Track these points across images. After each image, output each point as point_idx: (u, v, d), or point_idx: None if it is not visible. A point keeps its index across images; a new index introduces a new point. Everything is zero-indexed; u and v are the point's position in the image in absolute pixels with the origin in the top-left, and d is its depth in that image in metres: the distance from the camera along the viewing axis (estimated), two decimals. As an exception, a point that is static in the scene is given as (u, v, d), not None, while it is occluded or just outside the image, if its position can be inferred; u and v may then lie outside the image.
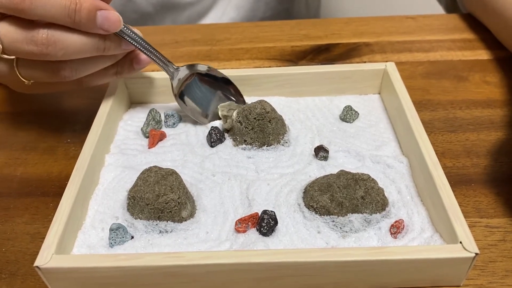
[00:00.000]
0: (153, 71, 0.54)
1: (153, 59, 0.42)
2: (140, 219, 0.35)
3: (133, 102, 0.49)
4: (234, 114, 0.43)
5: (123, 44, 0.40)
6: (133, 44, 0.40)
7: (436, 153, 0.37)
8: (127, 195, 0.37)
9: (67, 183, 0.37)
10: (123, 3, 0.77)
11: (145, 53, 0.41)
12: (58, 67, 0.39)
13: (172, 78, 0.44)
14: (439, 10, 0.74)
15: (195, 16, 0.80)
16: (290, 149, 0.42)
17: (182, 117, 0.46)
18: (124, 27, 0.39)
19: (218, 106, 0.44)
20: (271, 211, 0.34)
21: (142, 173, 0.36)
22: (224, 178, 0.39)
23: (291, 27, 0.63)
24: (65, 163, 0.44)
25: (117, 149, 0.43)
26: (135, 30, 0.41)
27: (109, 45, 0.39)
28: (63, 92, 0.52)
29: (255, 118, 0.41)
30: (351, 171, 0.38)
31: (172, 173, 0.36)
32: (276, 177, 0.39)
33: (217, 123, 0.45)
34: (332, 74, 0.47)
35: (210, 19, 0.80)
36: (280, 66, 0.55)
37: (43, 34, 0.36)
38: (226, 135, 0.43)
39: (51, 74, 0.39)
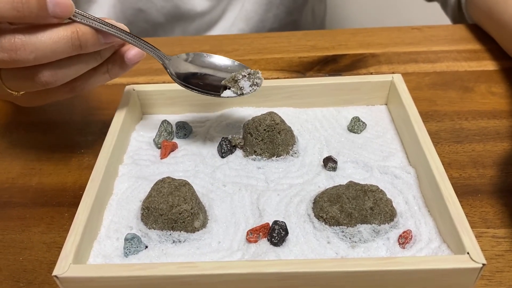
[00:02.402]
0: (163, 82, 0.56)
1: (140, 47, 0.40)
2: (154, 229, 0.36)
3: (145, 113, 0.50)
4: (242, 81, 0.41)
5: (101, 37, 0.37)
6: (114, 35, 0.37)
7: (443, 164, 0.38)
8: (141, 206, 0.38)
9: (81, 193, 0.37)
10: (134, 13, 0.78)
11: (129, 42, 0.39)
12: (37, 72, 0.37)
13: (164, 64, 0.41)
14: (446, 20, 0.74)
15: (205, 26, 0.81)
16: (299, 159, 0.43)
17: (193, 128, 0.47)
18: (102, 22, 0.37)
19: (222, 82, 0.42)
20: (282, 221, 0.35)
21: (156, 184, 0.37)
22: (234, 189, 0.40)
23: (299, 38, 0.64)
24: (79, 173, 0.45)
25: (130, 160, 0.44)
26: (119, 24, 0.38)
27: (85, 40, 0.36)
28: (75, 103, 0.53)
29: (264, 130, 0.42)
30: (360, 182, 0.39)
31: (185, 184, 0.37)
32: (285, 187, 0.40)
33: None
34: (340, 85, 0.48)
35: (220, 29, 0.81)
36: (288, 77, 0.56)
37: (9, 39, 0.34)
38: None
39: (32, 82, 0.37)
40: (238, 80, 0.41)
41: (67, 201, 0.42)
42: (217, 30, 0.82)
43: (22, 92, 0.40)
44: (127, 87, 0.48)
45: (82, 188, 0.42)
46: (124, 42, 0.39)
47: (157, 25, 0.80)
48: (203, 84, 0.42)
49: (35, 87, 0.38)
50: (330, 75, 0.56)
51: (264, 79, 0.56)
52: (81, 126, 0.50)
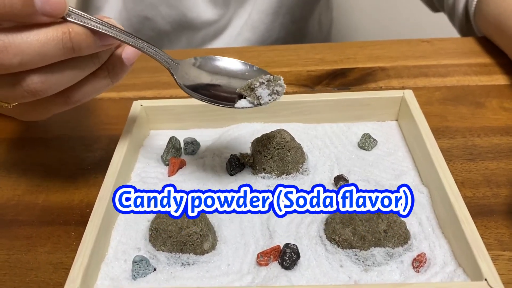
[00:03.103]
0: (171, 97, 0.55)
1: (144, 49, 0.35)
2: (163, 251, 0.35)
3: (153, 129, 0.49)
4: (260, 89, 0.36)
5: (97, 39, 0.33)
6: (114, 36, 0.33)
7: (456, 182, 0.37)
8: (149, 226, 0.37)
9: (88, 211, 0.37)
10: (140, 21, 0.78)
11: (131, 44, 0.34)
12: (24, 79, 0.32)
13: (170, 69, 0.37)
14: (453, 31, 0.74)
15: (211, 35, 0.81)
16: (309, 177, 0.42)
17: (201, 144, 0.47)
18: (100, 22, 0.32)
19: (237, 90, 0.37)
20: (293, 244, 0.34)
21: (164, 204, 0.36)
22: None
23: (307, 51, 0.63)
24: (86, 190, 0.44)
25: (137, 177, 0.43)
26: (111, 20, 0.34)
27: (78, 42, 0.32)
28: (82, 118, 0.53)
29: (274, 147, 0.42)
30: None
31: (194, 205, 0.36)
32: (296, 207, 0.39)
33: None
34: (350, 101, 0.47)
35: (226, 39, 0.81)
36: (296, 91, 0.56)
37: None
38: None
39: (20, 90, 0.33)
40: (255, 88, 0.36)
41: (74, 220, 0.41)
42: (223, 39, 0.81)
43: (14, 104, 0.36)
44: (135, 102, 0.48)
45: (89, 206, 0.42)
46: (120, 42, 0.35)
47: (163, 33, 0.80)
48: (214, 92, 0.37)
49: (24, 97, 0.34)
50: (339, 89, 0.56)
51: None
52: (88, 141, 0.50)
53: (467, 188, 0.42)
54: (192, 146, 0.46)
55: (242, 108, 0.36)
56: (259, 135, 0.44)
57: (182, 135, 0.47)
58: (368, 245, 0.34)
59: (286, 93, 0.55)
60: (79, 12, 0.32)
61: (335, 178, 0.41)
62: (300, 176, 0.42)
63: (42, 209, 0.43)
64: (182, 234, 0.34)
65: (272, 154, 0.42)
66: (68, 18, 0.32)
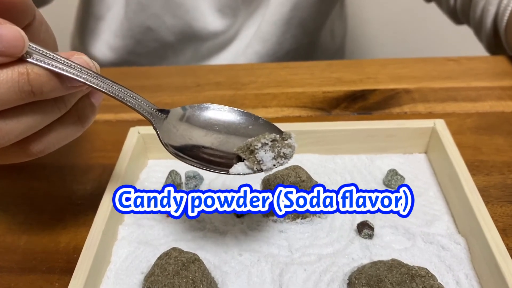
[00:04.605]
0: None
1: (120, 98, 0.29)
2: (157, 314, 0.30)
3: (151, 158, 0.44)
4: (261, 152, 0.29)
5: (64, 80, 0.27)
6: (84, 82, 0.27)
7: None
8: (142, 283, 0.32)
9: (75, 257, 0.32)
10: (143, 32, 0.73)
11: (105, 92, 0.28)
12: None
13: (153, 124, 0.31)
14: (478, 47, 0.68)
15: (218, 47, 0.76)
16: (328, 221, 0.37)
17: (205, 178, 0.41)
18: (67, 63, 0.27)
19: (234, 150, 0.31)
20: (311, 313, 0.29)
21: (160, 258, 0.31)
22: (252, 259, 0.34)
23: (322, 69, 0.58)
24: (74, 231, 0.39)
25: (131, 219, 0.38)
26: (83, 58, 0.28)
27: (39, 85, 0.26)
28: (73, 143, 0.48)
29: (288, 187, 0.36)
30: (401, 253, 0.33)
31: (194, 260, 0.31)
32: (313, 259, 0.34)
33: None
34: (373, 131, 0.42)
35: (233, 51, 0.76)
36: (311, 115, 0.50)
37: None
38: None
39: None
40: (256, 151, 0.29)
41: (58, 267, 0.36)
42: (231, 51, 0.77)
43: None
44: (132, 129, 0.43)
45: (76, 250, 0.37)
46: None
47: (167, 44, 0.75)
48: (207, 153, 0.31)
49: None
50: (358, 113, 0.50)
51: (285, 117, 0.51)
52: (79, 171, 0.45)
53: (510, 237, 0.37)
54: (195, 180, 0.41)
55: (238, 174, 0.30)
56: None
57: (183, 167, 0.42)
58: (400, 315, 0.29)
59: (301, 118, 0.50)
60: (44, 51, 0.26)
61: (358, 225, 0.36)
62: (317, 220, 0.37)
63: (23, 252, 0.38)
64: (179, 299, 0.29)
65: (286, 194, 0.36)
66: (29, 59, 0.26)
